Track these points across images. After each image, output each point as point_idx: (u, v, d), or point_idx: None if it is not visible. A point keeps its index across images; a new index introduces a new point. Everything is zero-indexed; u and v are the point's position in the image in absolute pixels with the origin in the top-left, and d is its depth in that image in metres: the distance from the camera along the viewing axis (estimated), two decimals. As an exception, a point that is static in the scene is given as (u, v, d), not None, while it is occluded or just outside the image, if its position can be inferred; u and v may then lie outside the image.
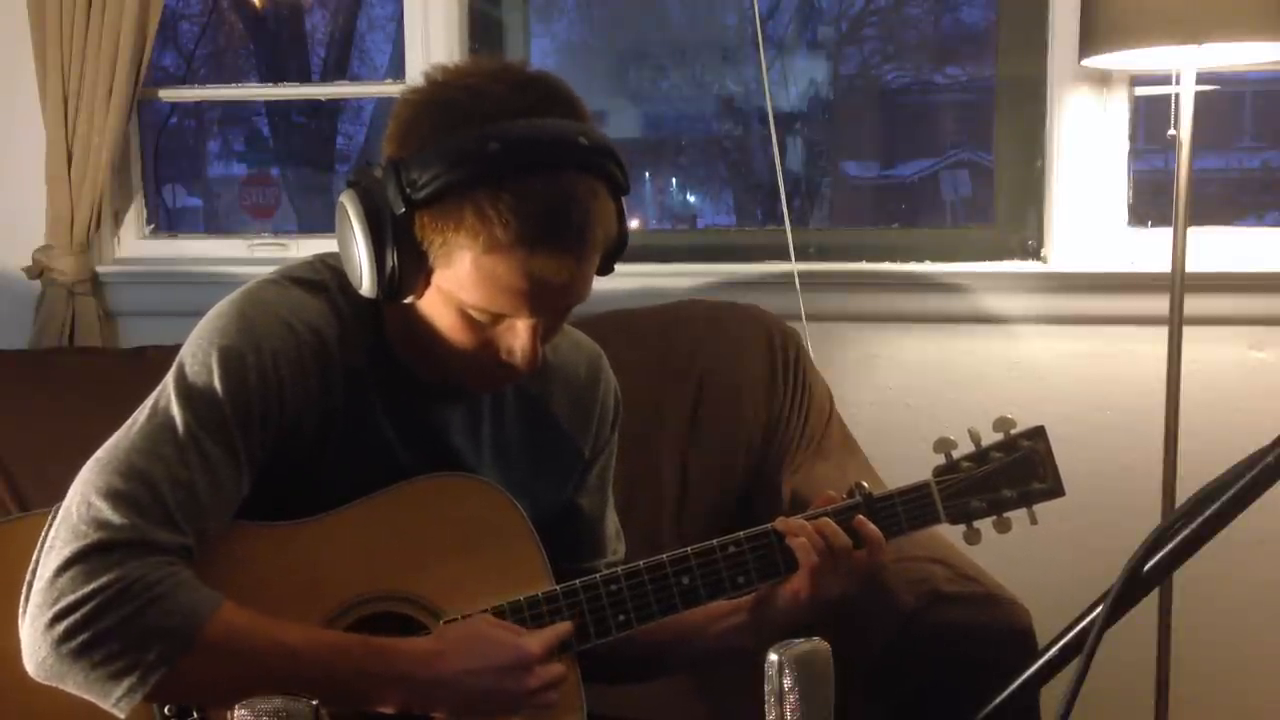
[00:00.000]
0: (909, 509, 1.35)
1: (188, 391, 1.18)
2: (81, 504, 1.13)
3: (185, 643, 1.10)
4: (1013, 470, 1.36)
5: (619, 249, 1.24)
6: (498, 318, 1.19)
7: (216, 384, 1.18)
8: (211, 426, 1.17)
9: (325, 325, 1.25)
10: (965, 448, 1.37)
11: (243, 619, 1.14)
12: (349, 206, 1.17)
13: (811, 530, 1.31)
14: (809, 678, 0.91)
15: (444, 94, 1.17)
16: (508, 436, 1.38)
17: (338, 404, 1.25)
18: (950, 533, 1.39)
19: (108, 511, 1.11)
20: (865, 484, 1.35)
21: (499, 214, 1.10)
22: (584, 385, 1.44)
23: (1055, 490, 1.37)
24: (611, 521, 1.52)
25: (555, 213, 1.12)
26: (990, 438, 1.37)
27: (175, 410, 1.17)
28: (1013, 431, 1.37)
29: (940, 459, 1.36)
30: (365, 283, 1.18)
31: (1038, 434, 1.38)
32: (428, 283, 1.18)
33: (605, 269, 1.24)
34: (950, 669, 1.49)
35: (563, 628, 1.26)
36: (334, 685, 1.15)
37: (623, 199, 1.21)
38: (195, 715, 1.18)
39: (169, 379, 1.21)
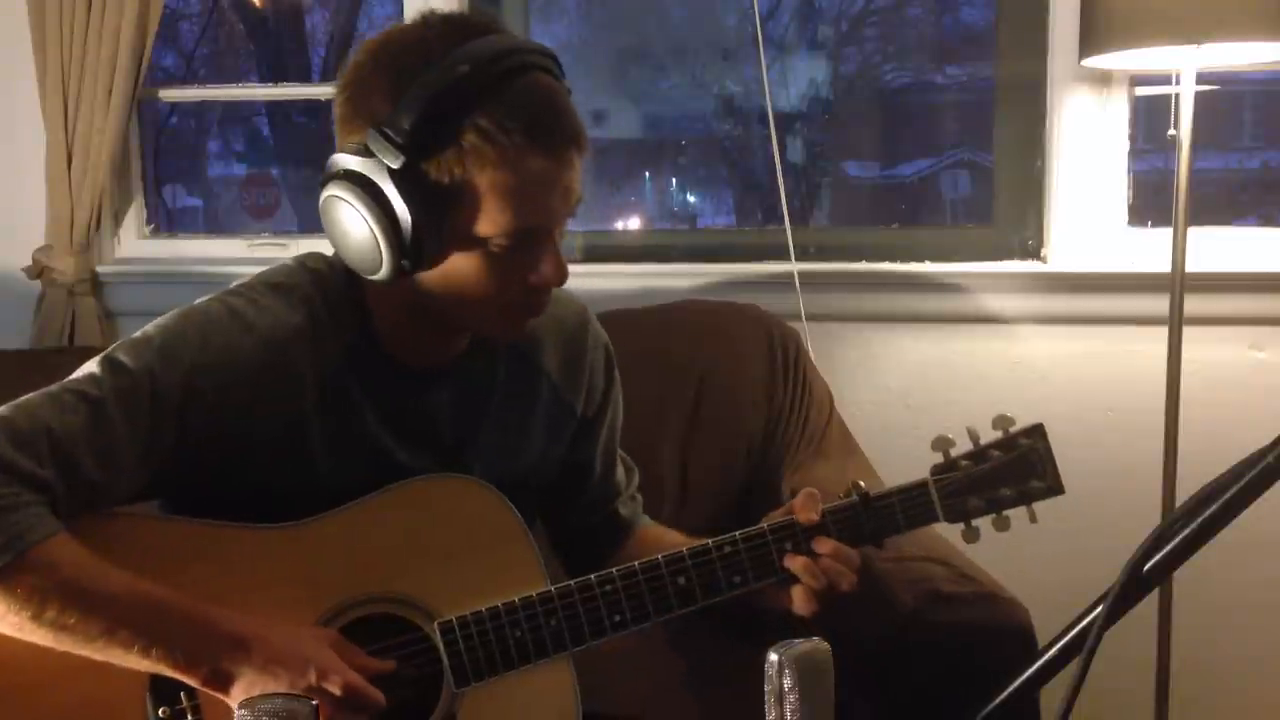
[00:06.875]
0: (906, 508, 1.35)
1: (117, 361, 1.19)
2: None
3: (3, 560, 1.08)
4: (1011, 468, 1.36)
5: None
6: (521, 242, 1.18)
7: (147, 362, 1.18)
8: (123, 396, 1.17)
9: (292, 330, 1.24)
10: (964, 446, 1.36)
11: (71, 555, 1.12)
12: (340, 193, 1.16)
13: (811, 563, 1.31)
14: (809, 678, 0.91)
15: (383, 60, 1.18)
16: (501, 402, 1.38)
17: (306, 407, 1.24)
18: (949, 532, 1.39)
19: None
20: (863, 483, 1.35)
21: (500, 126, 1.13)
22: (572, 336, 1.44)
23: (1054, 488, 1.36)
24: (620, 466, 1.53)
25: (547, 108, 1.17)
26: (989, 436, 1.37)
27: (96, 370, 1.19)
28: (1011, 430, 1.36)
29: (939, 457, 1.36)
30: (385, 259, 1.17)
31: (1036, 432, 1.37)
32: (446, 238, 1.18)
33: None
34: (950, 669, 1.49)
35: (385, 664, 1.23)
36: (149, 639, 1.12)
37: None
38: (190, 716, 1.18)
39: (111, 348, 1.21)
